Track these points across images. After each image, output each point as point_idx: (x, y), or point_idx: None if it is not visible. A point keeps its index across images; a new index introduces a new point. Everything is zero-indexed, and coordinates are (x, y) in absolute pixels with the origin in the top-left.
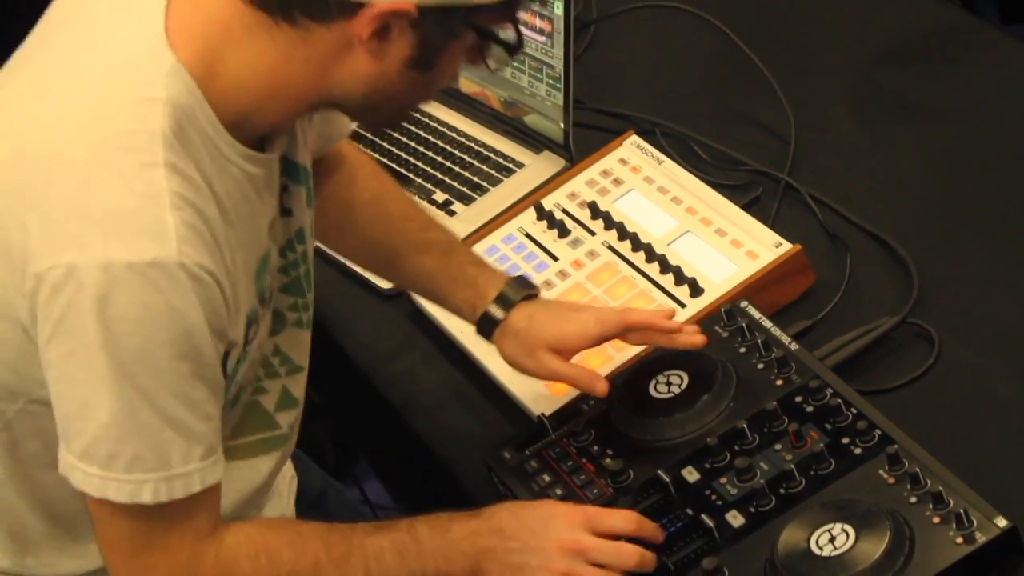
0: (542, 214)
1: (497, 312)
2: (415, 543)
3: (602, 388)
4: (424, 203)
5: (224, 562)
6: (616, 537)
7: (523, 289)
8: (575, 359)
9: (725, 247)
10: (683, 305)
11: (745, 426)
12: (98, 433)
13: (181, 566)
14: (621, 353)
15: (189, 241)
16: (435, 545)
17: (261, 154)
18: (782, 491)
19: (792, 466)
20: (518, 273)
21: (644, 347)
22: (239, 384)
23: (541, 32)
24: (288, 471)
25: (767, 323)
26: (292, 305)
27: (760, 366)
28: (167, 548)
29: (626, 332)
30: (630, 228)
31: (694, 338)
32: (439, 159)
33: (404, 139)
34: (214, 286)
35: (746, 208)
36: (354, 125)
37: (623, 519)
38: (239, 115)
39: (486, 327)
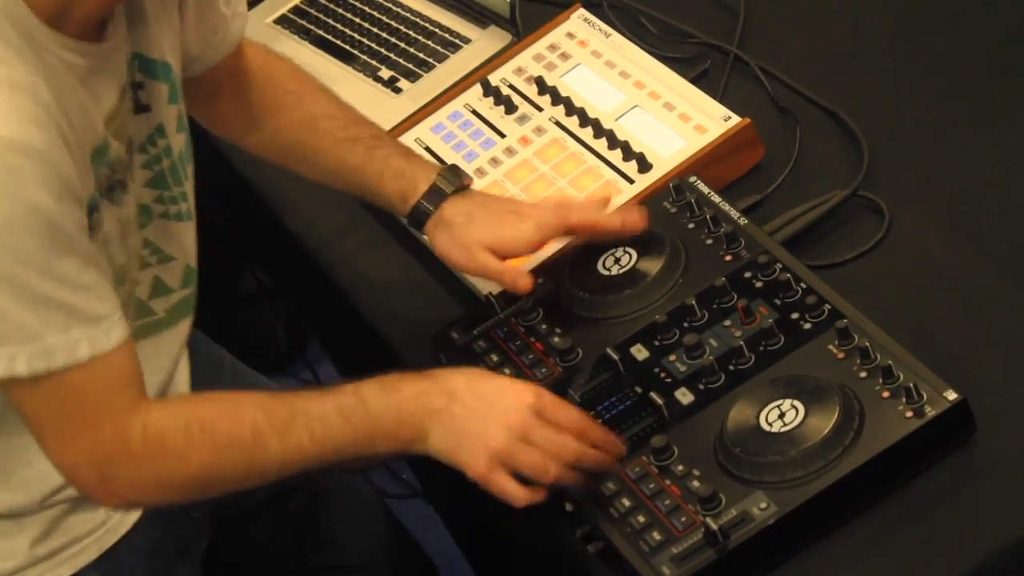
0: (488, 90)
1: (430, 204)
2: (362, 404)
3: (524, 284)
4: (370, 82)
5: (153, 436)
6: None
7: (455, 180)
8: None
9: (673, 121)
10: (631, 181)
11: (694, 303)
12: None
13: (106, 441)
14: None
15: (8, 118)
16: (383, 405)
17: (84, 44)
18: (731, 368)
19: (741, 342)
20: (464, 151)
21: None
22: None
23: None
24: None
25: (716, 198)
26: (158, 198)
27: (709, 242)
28: (87, 424)
29: (568, 234)
30: (578, 103)
31: (635, 220)
32: (384, 35)
33: (349, 15)
34: (50, 155)
35: (695, 81)
36: (247, 30)
37: (570, 417)
38: (58, 6)
39: (418, 218)
